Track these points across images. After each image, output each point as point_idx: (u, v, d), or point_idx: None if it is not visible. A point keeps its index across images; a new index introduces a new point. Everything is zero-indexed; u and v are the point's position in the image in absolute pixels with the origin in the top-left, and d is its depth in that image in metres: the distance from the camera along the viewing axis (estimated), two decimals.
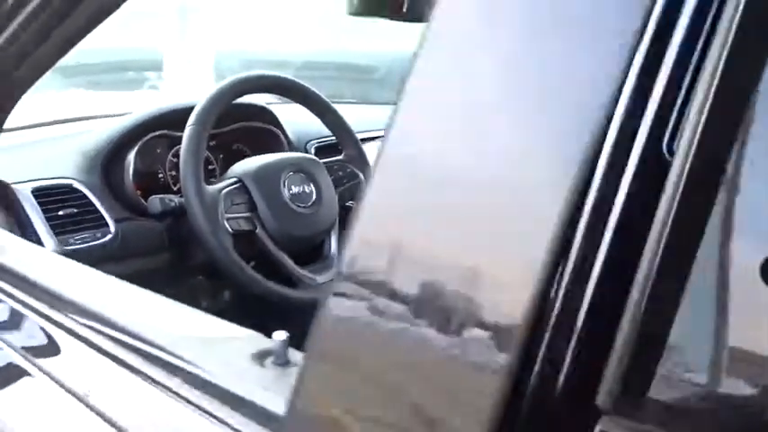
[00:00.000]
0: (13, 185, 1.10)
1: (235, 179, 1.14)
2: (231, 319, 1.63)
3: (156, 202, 1.13)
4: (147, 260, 1.21)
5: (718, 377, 0.43)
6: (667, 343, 0.46)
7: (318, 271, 1.20)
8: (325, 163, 1.27)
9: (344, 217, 1.31)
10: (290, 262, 1.16)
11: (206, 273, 1.33)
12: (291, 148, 1.43)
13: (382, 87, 3.04)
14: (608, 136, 0.42)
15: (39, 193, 1.10)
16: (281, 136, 1.43)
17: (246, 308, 1.45)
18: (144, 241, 1.20)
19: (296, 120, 1.50)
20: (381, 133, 1.36)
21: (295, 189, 1.19)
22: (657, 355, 0.45)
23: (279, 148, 1.39)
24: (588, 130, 0.40)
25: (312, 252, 1.24)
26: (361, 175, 1.32)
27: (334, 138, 1.46)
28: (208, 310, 1.36)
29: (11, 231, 1.08)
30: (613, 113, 0.40)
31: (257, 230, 1.13)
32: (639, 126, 0.44)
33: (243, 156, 1.38)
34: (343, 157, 1.33)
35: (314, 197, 1.21)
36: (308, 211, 1.19)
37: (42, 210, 1.09)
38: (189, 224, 1.21)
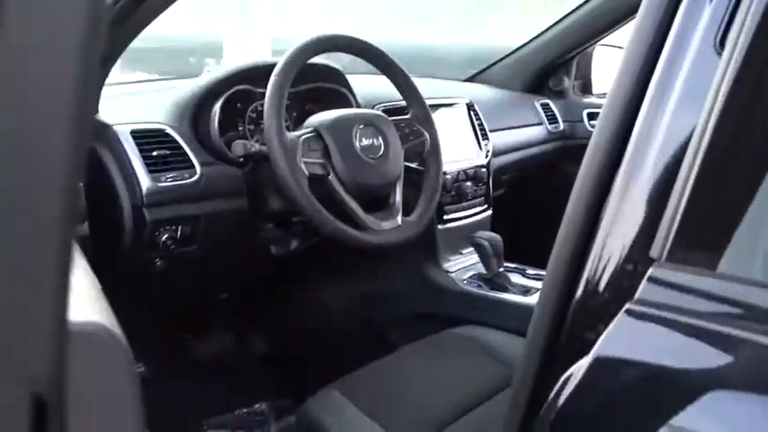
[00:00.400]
0: (114, 126, 1.22)
1: (312, 128, 1.24)
2: (296, 268, 1.75)
3: (239, 145, 1.24)
4: (226, 202, 1.32)
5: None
6: (713, 205, 0.53)
7: (383, 218, 1.29)
8: (393, 121, 1.36)
9: (409, 171, 1.40)
10: (357, 207, 1.25)
11: (277, 221, 1.44)
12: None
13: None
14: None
15: (136, 135, 1.22)
16: (351, 98, 1.53)
17: (310, 257, 1.55)
18: (224, 185, 1.31)
19: (364, 85, 1.60)
20: (443, 101, 1.47)
21: (365, 141, 1.28)
22: (703, 214, 0.52)
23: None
24: None
25: (377, 201, 1.33)
26: (426, 134, 1.40)
27: (399, 102, 1.55)
28: (277, 257, 1.47)
29: (112, 168, 1.20)
30: None
31: (329, 176, 1.22)
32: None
33: None
34: (410, 116, 1.41)
35: (382, 150, 1.30)
36: (376, 162, 1.28)
37: (139, 149, 1.21)
38: (265, 172, 1.32)
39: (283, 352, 1.94)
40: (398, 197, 1.33)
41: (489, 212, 1.77)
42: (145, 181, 1.19)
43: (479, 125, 1.80)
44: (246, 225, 1.38)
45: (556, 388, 0.57)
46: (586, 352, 0.55)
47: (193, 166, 1.26)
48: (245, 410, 1.76)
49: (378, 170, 1.28)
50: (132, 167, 1.19)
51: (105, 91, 1.26)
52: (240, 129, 1.42)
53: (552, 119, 2.21)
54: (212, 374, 1.82)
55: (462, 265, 1.65)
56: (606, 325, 0.54)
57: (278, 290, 1.87)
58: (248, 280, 1.63)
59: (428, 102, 1.44)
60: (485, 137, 1.80)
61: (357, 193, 1.25)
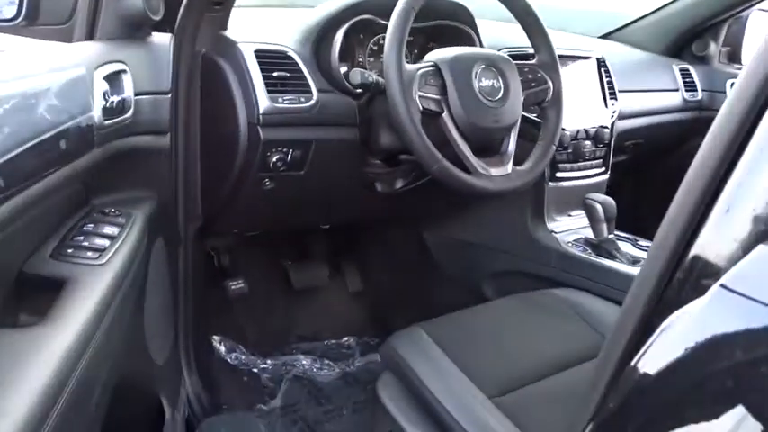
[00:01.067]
0: (239, 44, 1.24)
1: (431, 63, 1.21)
2: (399, 208, 1.72)
3: (357, 73, 1.23)
4: (338, 131, 1.32)
5: None
6: None
7: (493, 164, 1.24)
8: (516, 65, 1.30)
9: (526, 120, 1.34)
10: (467, 149, 1.21)
11: (385, 158, 1.43)
12: None
13: None
14: None
15: (259, 54, 1.24)
16: (476, 39, 1.47)
17: (414, 198, 1.54)
18: (338, 113, 1.31)
19: (491, 28, 1.53)
20: (573, 53, 1.37)
21: (485, 82, 1.23)
22: None
23: None
24: None
25: (489, 146, 1.29)
26: (550, 82, 1.33)
27: (525, 49, 1.48)
28: (380, 194, 1.47)
29: (233, 84, 1.23)
30: None
31: (443, 114, 1.19)
32: None
33: None
34: (536, 62, 1.34)
35: (501, 93, 1.24)
36: (494, 105, 1.23)
37: (260, 69, 1.23)
38: (380, 105, 1.30)
39: (376, 290, 1.96)
40: (512, 144, 1.28)
41: (606, 176, 1.67)
42: (263, 100, 1.21)
43: (609, 83, 1.68)
44: (355, 158, 1.38)
45: (654, 335, 0.53)
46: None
47: (310, 91, 1.27)
48: (333, 341, 1.81)
49: (494, 113, 1.23)
50: (252, 85, 1.22)
51: (234, 10, 1.29)
52: (360, 59, 1.41)
53: (690, 86, 2.04)
54: (306, 301, 1.89)
55: (569, 227, 1.58)
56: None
57: (378, 227, 1.88)
58: (350, 213, 1.64)
59: (558, 53, 1.36)
60: (613, 96, 1.69)
61: (469, 134, 1.21)
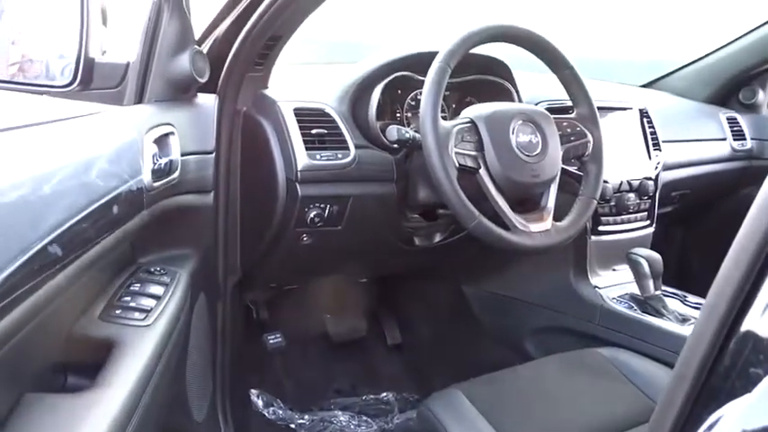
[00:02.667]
0: (279, 103, 1.27)
1: (467, 119, 1.21)
2: (437, 261, 1.71)
3: (393, 130, 1.23)
4: (376, 187, 1.33)
5: None
6: None
7: (532, 220, 1.22)
8: (555, 119, 1.28)
9: (566, 174, 1.32)
10: (505, 205, 1.19)
11: (423, 212, 1.42)
12: None
13: None
14: None
15: (298, 112, 1.27)
16: (514, 93, 1.47)
17: (452, 252, 1.52)
18: (375, 169, 1.32)
19: (528, 81, 1.53)
20: (613, 104, 1.34)
21: (522, 138, 1.22)
22: None
23: None
24: None
25: (528, 201, 1.27)
26: (590, 135, 1.31)
27: (563, 102, 1.47)
28: (418, 247, 1.46)
29: (272, 141, 1.25)
30: None
31: (480, 170, 1.18)
32: None
33: None
34: (574, 116, 1.32)
35: (539, 148, 1.23)
36: (532, 160, 1.21)
37: (299, 126, 1.25)
38: (417, 160, 1.31)
39: (415, 343, 1.93)
40: (551, 200, 1.25)
41: (651, 229, 1.63)
42: (302, 157, 1.23)
43: (652, 134, 1.65)
44: (393, 212, 1.38)
45: (703, 428, 0.50)
46: (747, 390, 0.46)
47: (348, 147, 1.28)
48: (371, 396, 1.77)
49: (532, 168, 1.21)
50: (291, 142, 1.24)
51: (275, 69, 1.32)
52: (398, 115, 1.42)
53: (739, 135, 1.98)
54: (344, 354, 1.86)
55: (614, 282, 1.53)
56: None
57: (417, 280, 1.86)
58: (389, 267, 1.63)
59: (597, 104, 1.34)
60: (656, 147, 1.65)
61: (507, 190, 1.20)
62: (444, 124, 1.16)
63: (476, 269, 1.71)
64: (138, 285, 0.97)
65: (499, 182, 1.19)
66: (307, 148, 1.24)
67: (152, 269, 1.03)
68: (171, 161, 1.01)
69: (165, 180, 0.98)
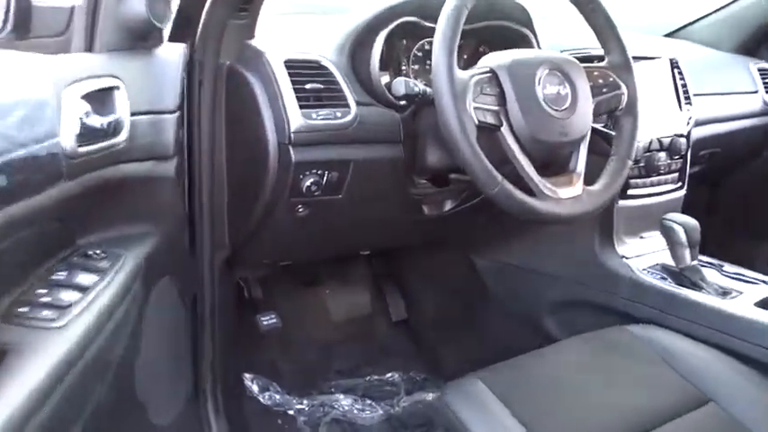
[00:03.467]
0: (267, 54, 1.10)
1: (486, 68, 1.04)
2: (448, 230, 1.54)
3: (401, 83, 1.06)
4: (380, 149, 1.17)
5: None
6: None
7: (560, 184, 1.07)
8: (585, 68, 1.12)
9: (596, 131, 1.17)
10: (531, 168, 1.04)
11: (432, 177, 1.27)
12: None
13: None
14: None
15: (290, 64, 1.09)
16: (534, 41, 1.30)
17: (465, 219, 1.37)
18: (380, 129, 1.16)
19: (547, 28, 1.36)
20: (641, 54, 1.15)
21: (550, 89, 1.05)
22: None
23: None
24: None
25: (555, 163, 1.11)
26: (624, 87, 1.15)
27: (588, 51, 1.31)
28: (427, 217, 1.31)
29: (261, 99, 1.09)
30: None
31: (502, 127, 1.02)
32: None
33: None
34: (606, 64, 1.16)
35: (569, 101, 1.07)
36: (561, 115, 1.05)
37: (291, 81, 1.08)
38: (427, 118, 1.15)
39: (422, 318, 1.79)
40: (581, 161, 1.10)
41: (683, 192, 1.48)
42: (295, 116, 1.07)
43: (683, 86, 1.49)
44: (399, 178, 1.22)
45: None
46: None
47: (348, 105, 1.11)
48: (375, 377, 1.64)
49: (561, 125, 1.05)
50: (283, 100, 1.07)
51: (261, 17, 1.15)
52: (404, 68, 1.26)
53: None
54: (345, 332, 1.73)
55: (642, 251, 1.39)
56: None
57: (423, 250, 1.72)
58: (394, 238, 1.48)
59: None
60: (688, 101, 1.50)
61: (532, 150, 1.04)
62: (460, 75, 1.00)
63: (488, 237, 1.56)
64: (65, 274, 0.80)
65: (524, 141, 1.03)
66: (301, 107, 1.07)
67: (90, 252, 0.86)
68: (116, 121, 0.84)
69: (101, 144, 0.81)
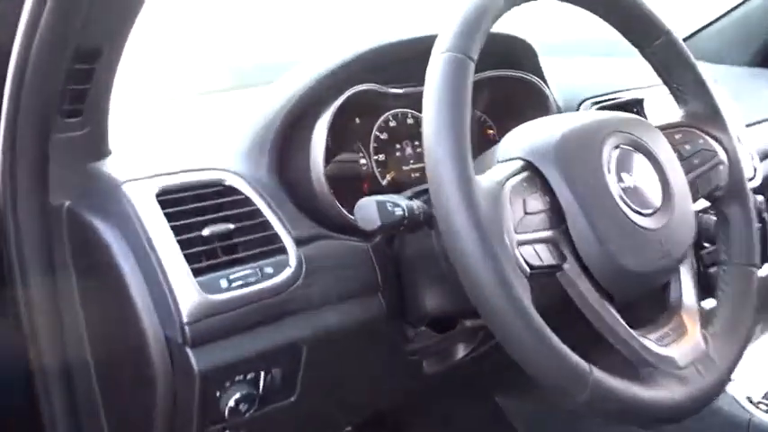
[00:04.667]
0: (127, 184, 0.62)
1: (518, 159, 0.59)
2: (457, 375, 1.00)
3: (370, 206, 0.59)
4: (347, 308, 0.70)
5: None
6: None
7: (668, 339, 0.61)
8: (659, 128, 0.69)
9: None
10: (623, 324, 0.58)
11: (432, 321, 0.80)
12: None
13: None
14: None
15: (169, 197, 0.62)
16: (550, 96, 0.87)
17: (476, 364, 0.91)
18: (341, 277, 0.69)
19: (554, 70, 0.93)
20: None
21: (627, 180, 0.61)
22: None
23: (544, 114, 0.83)
24: None
25: (640, 304, 0.66)
26: (719, 150, 0.72)
27: (616, 95, 0.89)
28: (429, 376, 0.84)
29: (122, 264, 0.60)
30: None
31: (565, 265, 0.57)
32: None
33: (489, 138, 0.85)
34: (685, 118, 0.73)
35: (660, 194, 0.63)
36: (653, 222, 0.61)
37: (173, 228, 0.60)
38: (412, 244, 0.69)
39: None
40: (688, 290, 0.65)
41: None
42: (187, 292, 0.58)
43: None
44: (381, 340, 0.75)
45: None
46: None
47: (283, 249, 0.65)
48: None
49: (658, 239, 0.61)
50: (160, 264, 0.59)
51: (116, 115, 0.67)
52: (364, 166, 0.79)
53: None
54: None
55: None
56: None
57: (423, 413, 1.23)
58: (382, 408, 1.00)
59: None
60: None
61: (616, 292, 0.59)
62: (486, 184, 0.54)
63: (513, 372, 1.09)
64: None
65: (603, 279, 0.58)
66: (196, 272, 0.59)
67: None
68: None
69: None
